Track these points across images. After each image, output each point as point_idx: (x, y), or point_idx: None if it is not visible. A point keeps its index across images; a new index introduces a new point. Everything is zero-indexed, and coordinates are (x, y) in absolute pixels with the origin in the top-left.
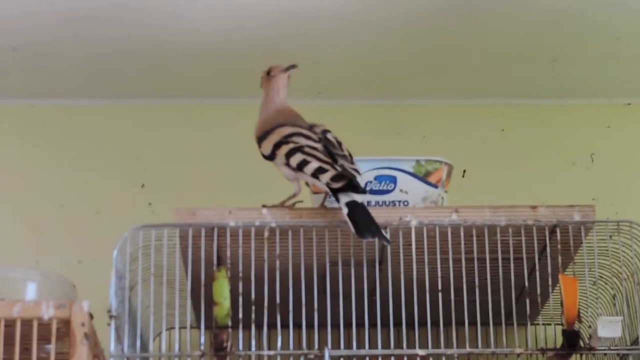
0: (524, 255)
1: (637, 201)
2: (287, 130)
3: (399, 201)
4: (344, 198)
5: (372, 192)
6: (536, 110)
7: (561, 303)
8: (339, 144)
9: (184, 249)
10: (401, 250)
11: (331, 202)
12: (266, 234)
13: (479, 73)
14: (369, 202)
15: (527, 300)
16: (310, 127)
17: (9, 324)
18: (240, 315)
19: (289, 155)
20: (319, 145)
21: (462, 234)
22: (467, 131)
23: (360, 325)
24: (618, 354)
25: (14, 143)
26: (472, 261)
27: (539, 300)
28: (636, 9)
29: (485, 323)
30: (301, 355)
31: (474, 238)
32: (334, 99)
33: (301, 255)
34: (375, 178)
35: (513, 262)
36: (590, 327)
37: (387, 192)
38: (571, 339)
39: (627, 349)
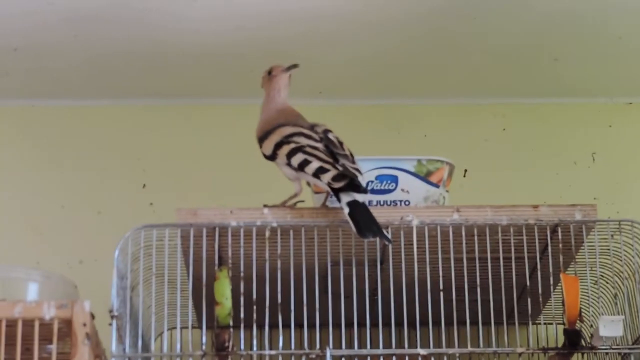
0: (526, 255)
1: (638, 200)
2: (288, 130)
3: (401, 201)
4: (346, 198)
5: (374, 191)
6: (537, 109)
7: (563, 302)
8: (340, 143)
9: (185, 249)
10: (402, 250)
11: (332, 202)
12: (267, 233)
13: (480, 73)
14: (370, 202)
15: (529, 300)
16: (312, 127)
17: (11, 324)
18: (242, 315)
19: (290, 155)
20: (320, 145)
21: (463, 233)
22: (469, 131)
23: (361, 324)
24: (619, 353)
25: (15, 143)
26: (473, 261)
27: (540, 299)
28: (637, 8)
29: (486, 322)
30: (303, 355)
31: (476, 237)
32: (335, 98)
33: (302, 255)
34: (377, 178)
35: (514, 261)
36: (591, 326)
37: (389, 191)
38: (573, 338)
39: (629, 348)
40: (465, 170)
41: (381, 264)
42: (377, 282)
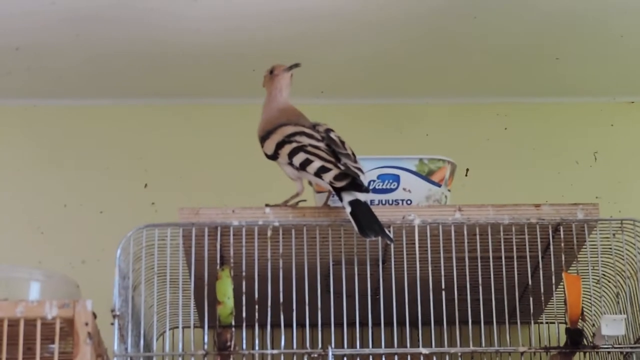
0: (527, 254)
1: None
2: (289, 129)
3: (402, 200)
4: (347, 197)
5: (375, 191)
6: (539, 109)
7: (564, 301)
8: (342, 142)
9: (187, 248)
10: (404, 249)
11: (334, 201)
12: (269, 233)
13: (482, 72)
14: (372, 201)
15: (531, 299)
16: (313, 126)
17: (13, 324)
18: (244, 315)
19: (291, 154)
20: (321, 144)
21: (465, 232)
22: (470, 130)
23: (363, 324)
24: (621, 352)
25: (17, 143)
26: (475, 260)
27: (542, 298)
28: (638, 7)
29: (488, 322)
30: (305, 354)
31: (477, 237)
32: (336, 98)
33: (304, 254)
34: (379, 177)
35: (516, 260)
36: (593, 325)
37: (390, 190)
38: (575, 337)
39: (631, 347)
40: (467, 170)
41: (383, 263)
42: (379, 281)
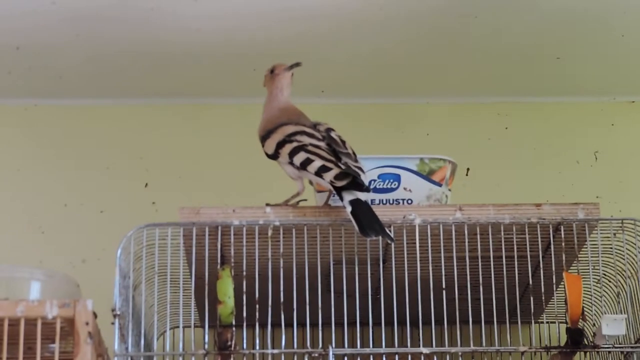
0: (528, 254)
1: None
2: (290, 128)
3: (403, 199)
4: (348, 196)
5: (376, 190)
6: (540, 108)
7: (565, 301)
8: (343, 142)
9: (187, 247)
10: (405, 249)
11: (335, 201)
12: (270, 232)
13: (483, 71)
14: (372, 201)
15: (531, 299)
16: (314, 126)
17: (13, 323)
18: (244, 314)
19: (292, 153)
20: (322, 144)
21: (466, 232)
22: (471, 129)
23: (364, 323)
24: (622, 352)
25: (17, 142)
26: (476, 259)
27: (543, 298)
28: (639, 6)
29: (489, 321)
30: (305, 353)
31: (478, 236)
32: (337, 97)
33: (305, 253)
34: (379, 176)
35: (517, 260)
36: (594, 325)
37: (391, 190)
38: (575, 337)
39: (632, 347)
40: (468, 169)
41: (384, 262)
42: (380, 281)
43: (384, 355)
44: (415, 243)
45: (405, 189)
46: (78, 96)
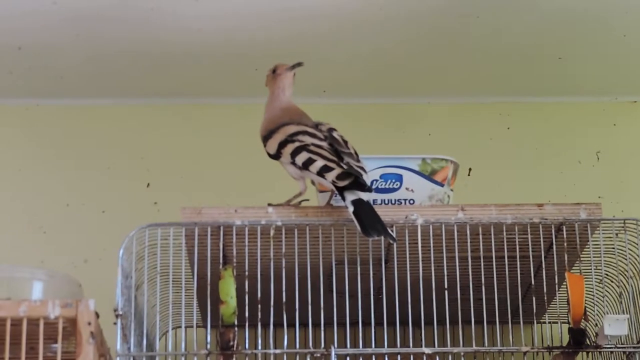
0: (530, 254)
1: None
2: (292, 128)
3: (405, 199)
4: (350, 196)
5: (378, 190)
6: (542, 108)
7: (567, 301)
8: (345, 142)
9: (190, 247)
10: (407, 249)
11: (337, 201)
12: (272, 232)
13: (484, 71)
14: (374, 201)
15: (534, 299)
16: (316, 126)
17: (16, 323)
18: (247, 314)
19: (294, 153)
20: (324, 144)
21: (468, 232)
22: (473, 129)
23: (366, 323)
24: (624, 352)
25: (18, 142)
26: (478, 259)
27: (545, 298)
28: None
29: (491, 321)
30: (308, 353)
31: (480, 236)
32: (339, 97)
33: (307, 253)
34: (381, 176)
35: (519, 260)
36: (596, 325)
37: (393, 190)
38: (577, 337)
39: (634, 347)
40: (470, 169)
41: (386, 262)
42: (382, 281)
43: (386, 356)
44: (417, 243)
45: (407, 189)
46: (79, 96)
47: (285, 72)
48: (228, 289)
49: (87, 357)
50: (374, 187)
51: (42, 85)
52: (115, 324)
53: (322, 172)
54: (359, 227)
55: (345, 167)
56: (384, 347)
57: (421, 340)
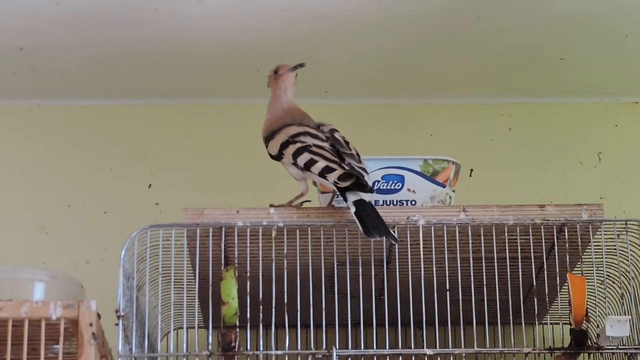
0: (532, 255)
1: None
2: (294, 129)
3: (407, 200)
4: (352, 197)
5: (380, 191)
6: (543, 109)
7: (569, 302)
8: (347, 143)
9: (191, 248)
10: (409, 250)
11: (339, 202)
12: (274, 233)
13: (486, 72)
14: (376, 202)
15: (535, 300)
16: (318, 126)
17: (17, 324)
18: (248, 315)
19: (296, 154)
20: (326, 145)
21: (469, 233)
22: (475, 130)
23: (368, 324)
24: (626, 354)
25: (21, 143)
26: (480, 260)
27: (547, 299)
28: None
29: (493, 322)
30: (309, 355)
31: (482, 237)
32: (340, 98)
33: (309, 254)
34: (383, 177)
35: (521, 261)
36: (598, 326)
37: (395, 191)
38: (579, 338)
39: (635, 348)
40: (472, 170)
41: (387, 263)
42: (384, 281)
43: (387, 357)
44: (419, 244)
45: (409, 189)
46: (81, 97)
47: (287, 72)
48: (230, 289)
49: (89, 358)
50: (375, 188)
51: (44, 85)
52: (116, 324)
53: (323, 173)
54: (360, 228)
55: (346, 168)
56: (385, 348)
57: (423, 341)
